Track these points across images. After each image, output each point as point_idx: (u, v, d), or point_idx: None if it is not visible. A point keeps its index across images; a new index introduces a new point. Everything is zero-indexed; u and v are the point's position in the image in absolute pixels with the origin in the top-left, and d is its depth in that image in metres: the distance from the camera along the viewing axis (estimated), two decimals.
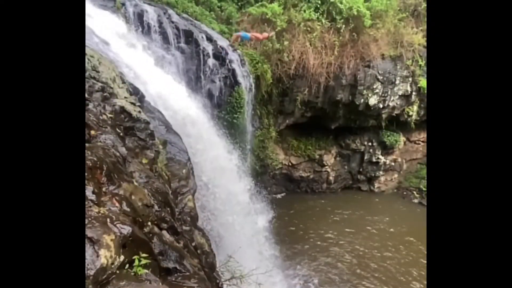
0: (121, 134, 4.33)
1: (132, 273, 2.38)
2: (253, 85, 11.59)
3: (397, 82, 14.53)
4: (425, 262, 6.14)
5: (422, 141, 17.16)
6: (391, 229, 13.93)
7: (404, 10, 14.54)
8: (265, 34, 11.69)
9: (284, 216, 14.19)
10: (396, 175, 17.14)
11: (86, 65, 5.21)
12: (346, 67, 13.47)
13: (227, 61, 10.63)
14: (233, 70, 10.67)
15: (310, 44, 12.91)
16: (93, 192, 2.68)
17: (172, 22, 10.20)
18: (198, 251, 4.62)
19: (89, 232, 2.20)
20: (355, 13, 12.68)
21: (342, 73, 13.55)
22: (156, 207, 3.44)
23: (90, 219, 2.35)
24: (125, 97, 5.42)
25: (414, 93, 15.07)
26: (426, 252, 2.72)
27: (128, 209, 2.90)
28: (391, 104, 14.88)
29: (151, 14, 9.85)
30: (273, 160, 14.58)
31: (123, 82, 6.07)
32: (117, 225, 2.43)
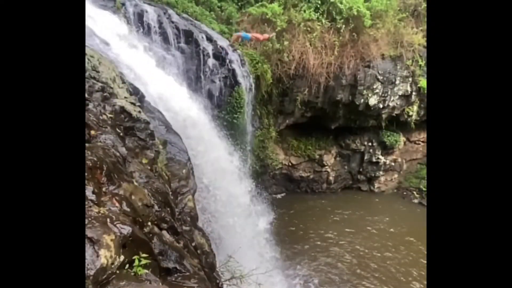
0: (121, 134, 4.33)
1: (132, 273, 2.38)
2: (253, 85, 11.59)
3: (397, 82, 14.53)
4: (425, 262, 6.13)
5: (422, 141, 17.16)
6: (391, 229, 13.93)
7: (404, 10, 14.54)
8: (266, 35, 11.68)
9: (284, 216, 14.20)
10: (396, 175, 17.14)
11: (86, 65, 5.22)
12: (346, 67, 13.47)
13: (227, 61, 10.63)
14: (233, 70, 10.66)
15: (310, 44, 12.92)
16: (93, 192, 2.68)
17: (172, 22, 10.19)
18: (198, 251, 4.62)
19: (89, 232, 2.20)
20: (355, 13, 12.69)
21: (342, 73, 13.55)
22: (156, 207, 3.44)
23: (90, 219, 2.35)
24: (125, 97, 5.42)
25: (414, 93, 15.08)
26: (426, 252, 2.72)
27: (128, 209, 2.90)
28: (391, 104, 14.89)
29: (151, 14, 9.85)
30: (273, 160, 14.58)
31: (123, 82, 6.07)
32: (117, 225, 2.44)
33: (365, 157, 16.39)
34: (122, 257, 2.32)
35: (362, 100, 14.18)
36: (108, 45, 7.51)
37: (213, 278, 4.54)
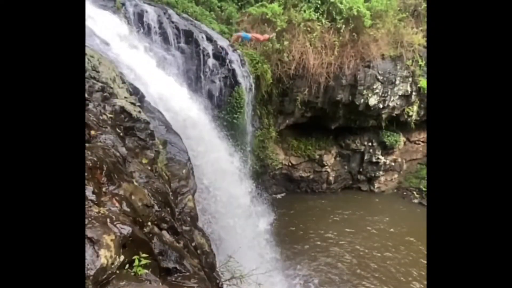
0: (121, 134, 4.33)
1: (132, 273, 2.38)
2: (253, 85, 11.59)
3: (397, 82, 14.53)
4: (425, 262, 6.13)
5: (422, 141, 17.16)
6: (391, 229, 13.93)
7: (404, 10, 14.54)
8: (266, 36, 11.67)
9: (284, 216, 14.20)
10: (396, 175, 17.14)
11: (86, 65, 5.21)
12: (346, 67, 13.47)
13: (227, 61, 10.62)
14: (233, 70, 10.66)
15: (310, 44, 12.92)
16: (93, 192, 2.68)
17: (172, 22, 10.19)
18: (198, 251, 4.62)
19: (89, 232, 2.20)
20: (355, 13, 12.69)
21: (342, 73, 13.55)
22: (156, 207, 3.44)
23: (90, 219, 2.35)
24: (125, 97, 5.42)
25: (414, 93, 15.08)
26: (426, 252, 2.72)
27: (128, 209, 2.90)
28: (391, 104, 14.89)
29: (151, 14, 9.84)
30: (273, 160, 14.58)
31: (123, 82, 6.07)
32: (117, 225, 2.44)
33: (365, 157, 16.39)
34: (122, 257, 2.32)
35: (362, 100, 14.18)
36: (108, 45, 7.51)
37: (213, 278, 4.55)
